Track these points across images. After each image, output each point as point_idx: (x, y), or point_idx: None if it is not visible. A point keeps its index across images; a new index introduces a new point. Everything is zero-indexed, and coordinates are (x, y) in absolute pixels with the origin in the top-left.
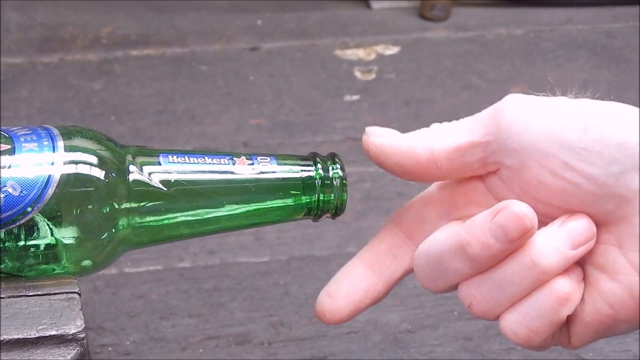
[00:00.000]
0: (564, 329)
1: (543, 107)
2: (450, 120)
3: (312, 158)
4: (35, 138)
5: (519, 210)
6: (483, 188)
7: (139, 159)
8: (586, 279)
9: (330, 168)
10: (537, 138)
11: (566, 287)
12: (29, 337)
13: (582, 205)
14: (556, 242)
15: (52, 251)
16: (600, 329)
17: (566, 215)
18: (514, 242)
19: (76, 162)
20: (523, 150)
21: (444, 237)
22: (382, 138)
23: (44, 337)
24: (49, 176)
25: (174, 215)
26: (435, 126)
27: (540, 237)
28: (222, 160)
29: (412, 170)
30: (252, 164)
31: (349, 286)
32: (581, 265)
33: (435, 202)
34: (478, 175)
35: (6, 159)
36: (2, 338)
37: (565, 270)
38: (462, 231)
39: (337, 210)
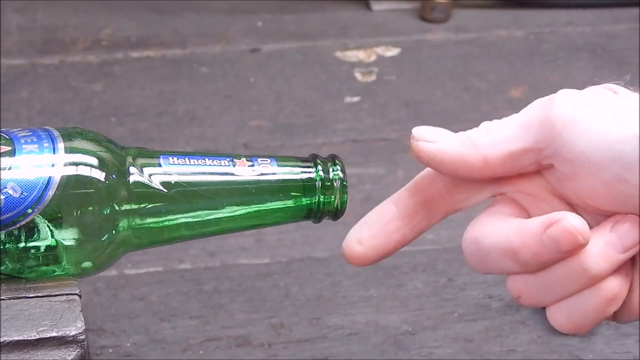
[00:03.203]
0: None
1: (595, 112)
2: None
3: (312, 160)
4: (35, 139)
5: (572, 226)
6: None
7: (140, 161)
8: (635, 267)
9: (331, 170)
10: (590, 149)
11: (614, 287)
12: (29, 338)
13: (634, 212)
14: (607, 248)
15: (53, 253)
16: None
17: (618, 216)
18: (566, 254)
19: (77, 164)
20: (575, 160)
21: (495, 232)
22: (432, 144)
23: (44, 338)
24: (50, 178)
25: (175, 216)
26: (484, 126)
27: (591, 244)
28: (222, 161)
29: (466, 175)
30: (253, 165)
31: (381, 235)
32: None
33: None
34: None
35: (6, 161)
36: (2, 340)
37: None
38: (514, 236)
39: (338, 212)
